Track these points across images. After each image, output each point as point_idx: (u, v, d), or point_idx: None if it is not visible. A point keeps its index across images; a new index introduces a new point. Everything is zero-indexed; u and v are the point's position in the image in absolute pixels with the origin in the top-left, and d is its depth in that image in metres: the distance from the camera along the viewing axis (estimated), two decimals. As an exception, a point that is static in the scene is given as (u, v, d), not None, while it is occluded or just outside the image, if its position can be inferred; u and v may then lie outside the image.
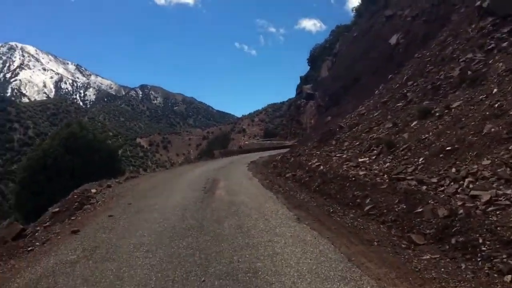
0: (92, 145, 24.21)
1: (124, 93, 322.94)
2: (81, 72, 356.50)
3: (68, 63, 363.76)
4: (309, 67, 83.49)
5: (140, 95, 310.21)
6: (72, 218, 10.38)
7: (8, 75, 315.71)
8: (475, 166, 7.40)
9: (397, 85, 17.12)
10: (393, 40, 22.80)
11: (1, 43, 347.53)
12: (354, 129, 16.20)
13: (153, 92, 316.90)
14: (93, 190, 15.00)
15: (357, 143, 13.85)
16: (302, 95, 71.58)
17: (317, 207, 9.08)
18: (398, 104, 14.95)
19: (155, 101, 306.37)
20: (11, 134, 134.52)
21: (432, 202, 6.85)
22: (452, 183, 7.39)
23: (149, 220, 8.61)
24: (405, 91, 15.52)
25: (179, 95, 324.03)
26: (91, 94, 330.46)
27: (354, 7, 73.43)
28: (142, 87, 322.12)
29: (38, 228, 11.70)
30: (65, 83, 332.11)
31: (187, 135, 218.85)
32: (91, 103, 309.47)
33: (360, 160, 11.74)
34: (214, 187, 12.85)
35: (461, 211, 6.20)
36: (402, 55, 21.26)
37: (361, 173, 10.05)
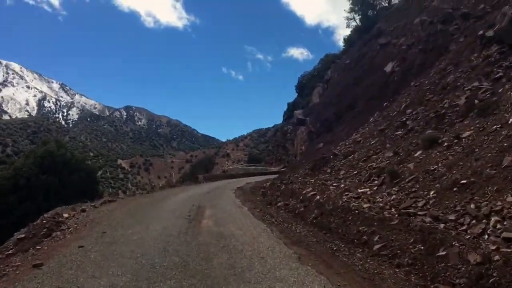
0: (70, 164, 22.78)
1: (108, 114, 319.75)
2: (65, 91, 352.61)
3: (53, 82, 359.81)
4: (297, 94, 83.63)
5: (125, 116, 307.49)
6: (38, 247, 9.14)
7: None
8: (499, 203, 6.51)
9: (395, 113, 16.42)
10: (388, 68, 22.31)
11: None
12: (350, 157, 15.34)
13: (137, 114, 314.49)
14: (65, 215, 13.69)
15: (355, 172, 12.95)
16: (292, 121, 71.20)
17: (318, 243, 8.04)
18: (398, 133, 14.19)
19: (139, 123, 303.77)
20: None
21: (458, 245, 5.89)
22: (474, 222, 6.47)
23: (125, 254, 7.43)
24: (404, 119, 14.79)
25: (164, 117, 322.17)
26: (74, 114, 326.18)
27: (345, 36, 74.43)
28: (127, 108, 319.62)
29: (-1, 256, 10.38)
30: (49, 101, 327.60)
31: (170, 158, 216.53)
32: (74, 122, 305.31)
33: (360, 190, 10.80)
34: (200, 216, 11.71)
35: (497, 257, 5.25)
36: (397, 83, 20.73)
37: (364, 205, 9.08)
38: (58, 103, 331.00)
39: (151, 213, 12.89)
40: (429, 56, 20.37)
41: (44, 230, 11.38)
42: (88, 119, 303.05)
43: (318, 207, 10.74)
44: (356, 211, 8.93)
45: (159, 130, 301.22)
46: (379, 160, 12.80)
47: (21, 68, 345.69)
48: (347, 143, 17.84)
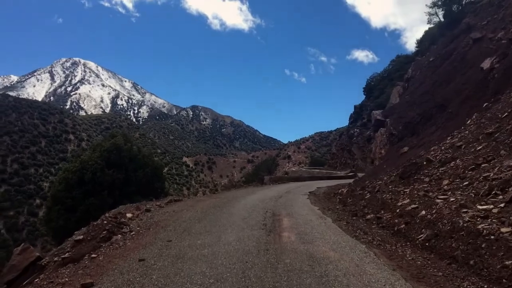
0: (136, 160, 21.94)
1: (175, 112, 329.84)
2: (137, 90, 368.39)
3: (125, 81, 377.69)
4: (364, 96, 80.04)
5: (191, 115, 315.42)
6: (94, 255, 7.76)
7: (69, 89, 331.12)
8: None
9: (505, 114, 13.62)
10: (485, 64, 19.28)
11: (66, 58, 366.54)
12: (450, 164, 12.81)
13: (203, 113, 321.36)
14: (128, 215, 12.45)
15: (465, 183, 10.48)
16: (360, 123, 68.22)
17: (448, 280, 5.88)
18: (516, 137, 11.51)
19: (204, 122, 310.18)
20: (66, 144, 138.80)
21: None
22: None
23: (194, 277, 5.72)
24: (521, 121, 12.07)
25: (228, 117, 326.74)
26: (144, 112, 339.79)
27: (419, 37, 70.14)
28: (193, 107, 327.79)
29: (55, 259, 9.27)
30: (121, 99, 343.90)
31: (233, 158, 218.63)
32: (144, 120, 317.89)
33: (481, 207, 8.41)
34: (278, 226, 9.86)
35: None
36: (499, 81, 17.71)
37: (503, 230, 6.75)
38: (130, 101, 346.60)
39: (221, 218, 11.24)
40: (539, 51, 17.31)
41: (104, 232, 10.13)
42: (157, 117, 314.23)
43: (428, 226, 8.49)
44: (492, 237, 6.64)
45: (222, 129, 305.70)
46: (495, 169, 10.25)
47: (97, 66, 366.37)
48: (442, 148, 15.22)
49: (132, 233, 10.06)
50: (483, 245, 6.65)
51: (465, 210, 8.47)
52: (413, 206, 10.13)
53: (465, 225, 7.58)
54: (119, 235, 10.05)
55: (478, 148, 12.80)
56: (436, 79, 22.60)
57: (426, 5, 39.12)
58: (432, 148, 16.31)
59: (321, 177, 39.45)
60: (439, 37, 33.75)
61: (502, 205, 8.24)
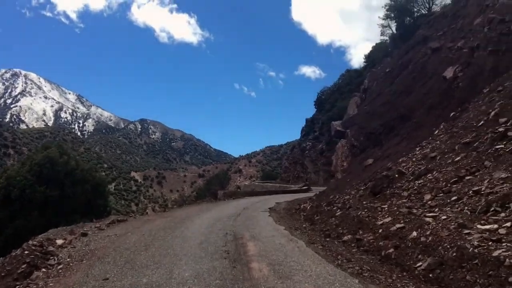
0: (74, 174, 19.29)
1: (123, 126, 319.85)
2: (82, 103, 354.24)
3: (69, 93, 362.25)
4: (315, 109, 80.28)
5: (139, 129, 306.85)
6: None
7: (8, 101, 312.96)
8: None
9: (481, 123, 12.74)
10: (448, 73, 18.73)
11: (5, 69, 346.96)
12: (427, 177, 11.66)
13: (152, 127, 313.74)
14: (59, 241, 10.20)
15: (453, 198, 9.23)
16: (320, 136, 67.78)
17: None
18: (498, 147, 10.51)
19: (153, 136, 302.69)
20: (5, 159, 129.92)
21: None
22: None
23: None
24: (501, 130, 11.13)
25: (178, 131, 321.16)
26: (89, 125, 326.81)
27: (366, 54, 71.52)
28: (142, 121, 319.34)
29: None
30: (65, 112, 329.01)
31: (183, 172, 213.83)
32: (89, 133, 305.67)
33: (482, 227, 7.13)
34: (243, 253, 8.09)
35: None
36: (465, 90, 17.16)
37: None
38: (75, 114, 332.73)
39: (173, 244, 9.29)
40: (503, 59, 16.93)
41: (23, 266, 8.05)
42: (103, 131, 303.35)
43: (426, 251, 7.07)
44: (517, 267, 5.27)
45: (172, 143, 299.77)
46: (485, 182, 9.10)
47: (39, 78, 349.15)
48: (414, 159, 14.16)
49: (59, 267, 7.93)
50: (510, 279, 5.26)
51: (467, 231, 7.16)
52: (398, 225, 8.73)
53: (475, 251, 6.22)
54: (43, 270, 7.91)
55: (457, 159, 11.76)
56: (396, 89, 21.94)
57: (379, 17, 39.44)
58: (401, 160, 15.27)
59: (276, 191, 38.04)
60: (393, 49, 33.74)
61: (508, 224, 7.00)
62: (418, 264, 6.86)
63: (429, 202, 9.69)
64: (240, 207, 19.38)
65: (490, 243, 6.37)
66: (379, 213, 10.41)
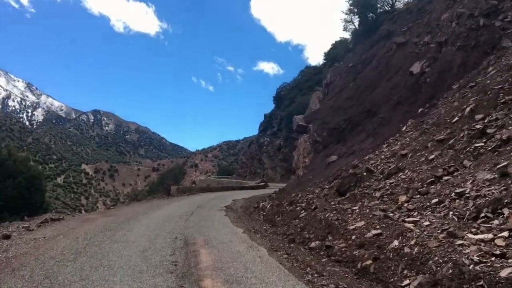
0: (5, 166, 16.96)
1: (74, 116, 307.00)
2: (31, 91, 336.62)
3: (18, 80, 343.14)
4: (274, 105, 79.50)
5: (92, 120, 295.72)
6: None
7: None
8: None
9: (455, 119, 11.94)
10: (415, 68, 18.05)
11: None
12: (398, 176, 10.70)
13: (105, 118, 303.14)
14: (-32, 247, 8.41)
15: (434, 200, 8.22)
16: (278, 131, 66.74)
17: None
18: (478, 145, 9.65)
19: (107, 128, 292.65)
20: None
21: None
22: None
23: None
24: (478, 126, 10.29)
25: (133, 124, 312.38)
26: (39, 115, 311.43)
27: (325, 52, 71.51)
28: (95, 112, 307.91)
29: None
30: (13, 100, 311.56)
31: (137, 166, 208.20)
32: (38, 123, 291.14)
33: (475, 236, 6.12)
34: (195, 265, 6.65)
35: None
36: (432, 86, 16.49)
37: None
38: (23, 103, 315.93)
39: (110, 252, 7.71)
40: (471, 55, 16.42)
41: None
42: (54, 121, 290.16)
43: (412, 265, 5.93)
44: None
45: (126, 136, 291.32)
46: (468, 183, 8.16)
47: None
48: (382, 156, 13.22)
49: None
50: (530, 308, 4.18)
51: (459, 242, 6.11)
52: (374, 231, 7.61)
53: (477, 268, 5.16)
54: None
55: (431, 157, 10.85)
56: (360, 84, 21.13)
57: (342, 11, 38.91)
58: (367, 157, 14.32)
59: (232, 187, 36.71)
60: (355, 45, 33.19)
61: (505, 234, 6.00)
62: (405, 283, 5.70)
63: (406, 205, 8.65)
64: (194, 204, 17.88)
65: (493, 258, 5.31)
66: (350, 215, 9.28)
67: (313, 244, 8.50)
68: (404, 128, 15.23)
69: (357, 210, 9.42)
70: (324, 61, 73.87)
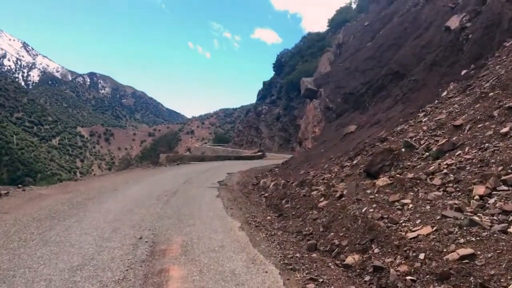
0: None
1: (71, 79, 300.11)
2: (27, 51, 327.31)
3: (14, 40, 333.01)
4: (274, 73, 75.55)
5: (88, 83, 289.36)
6: None
7: None
8: None
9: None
10: (453, 23, 14.67)
11: None
12: (457, 155, 7.56)
13: (101, 81, 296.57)
14: None
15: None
16: (277, 100, 63.01)
17: None
18: None
19: (103, 91, 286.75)
20: None
21: None
22: None
23: None
24: None
25: (129, 88, 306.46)
26: (35, 75, 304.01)
27: (329, 18, 67.39)
28: (91, 74, 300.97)
29: None
30: (9, 60, 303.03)
31: (133, 130, 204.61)
32: (34, 84, 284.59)
33: None
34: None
35: None
36: (477, 44, 13.17)
37: None
38: (19, 63, 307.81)
39: (17, 270, 4.61)
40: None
41: None
42: (50, 82, 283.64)
43: None
44: None
45: (123, 100, 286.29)
46: None
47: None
48: (425, 128, 10.02)
49: None
50: None
51: None
52: (460, 251, 4.51)
53: None
54: None
55: (504, 130, 7.66)
56: (381, 43, 17.70)
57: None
58: (399, 128, 11.15)
59: (228, 157, 33.66)
60: (369, 4, 29.52)
61: None
62: None
63: (492, 201, 5.54)
64: (181, 178, 14.77)
65: None
66: (400, 213, 6.15)
67: (349, 260, 5.40)
68: (444, 93, 12.02)
69: (411, 206, 6.27)
70: (328, 27, 69.77)
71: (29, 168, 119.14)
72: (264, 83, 76.94)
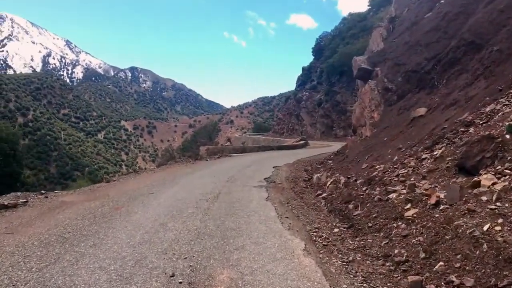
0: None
1: (113, 74, 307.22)
2: (70, 49, 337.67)
3: (58, 38, 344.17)
4: (313, 57, 72.65)
5: (129, 77, 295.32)
6: None
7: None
8: None
9: None
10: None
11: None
12: None
13: (142, 75, 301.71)
14: None
15: None
16: (318, 85, 60.17)
17: None
18: None
19: (144, 85, 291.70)
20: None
21: None
22: None
23: None
24: None
25: (169, 80, 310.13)
26: (79, 72, 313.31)
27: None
28: (132, 69, 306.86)
29: None
30: (54, 58, 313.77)
31: (174, 122, 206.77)
32: (78, 81, 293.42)
33: None
34: None
35: None
36: None
37: None
38: (63, 61, 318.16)
39: None
40: None
41: None
42: (93, 78, 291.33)
43: None
44: None
45: (163, 93, 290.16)
46: None
47: (26, 22, 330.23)
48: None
49: None
50: None
51: None
52: None
53: None
54: None
55: None
56: (446, 12, 15.13)
57: None
58: (488, 109, 8.89)
59: (270, 147, 31.80)
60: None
61: None
62: None
63: None
64: (223, 175, 13.07)
65: None
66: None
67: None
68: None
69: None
70: (369, 7, 66.06)
71: (77, 163, 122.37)
72: (303, 68, 74.24)
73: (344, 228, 6.71)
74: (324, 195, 9.36)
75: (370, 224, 6.35)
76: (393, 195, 6.93)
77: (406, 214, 5.93)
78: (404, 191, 6.88)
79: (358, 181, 8.98)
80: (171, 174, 13.82)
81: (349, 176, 10.01)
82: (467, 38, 12.28)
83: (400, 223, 5.87)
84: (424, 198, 6.13)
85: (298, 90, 70.47)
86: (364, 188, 8.26)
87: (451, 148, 7.93)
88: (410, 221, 5.72)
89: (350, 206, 7.64)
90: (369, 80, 15.85)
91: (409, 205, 6.16)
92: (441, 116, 10.50)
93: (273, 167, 15.53)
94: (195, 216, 7.08)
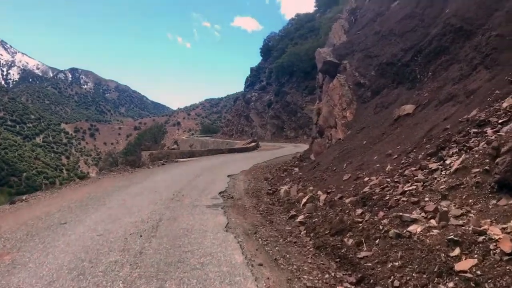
0: None
1: (52, 75, 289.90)
2: (5, 49, 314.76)
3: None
4: (261, 58, 70.76)
5: (70, 79, 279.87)
6: None
7: None
8: None
9: None
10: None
11: None
12: None
13: (83, 77, 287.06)
14: None
15: None
16: (267, 86, 57.92)
17: None
18: None
19: (86, 86, 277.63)
20: None
21: None
22: None
23: None
24: None
25: (112, 82, 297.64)
26: (15, 73, 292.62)
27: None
28: (72, 70, 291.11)
29: None
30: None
31: (118, 124, 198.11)
32: (14, 82, 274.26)
33: None
34: None
35: None
36: None
37: None
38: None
39: None
40: None
41: None
42: (30, 80, 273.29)
43: None
44: None
45: (106, 94, 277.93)
46: None
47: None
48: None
49: None
50: None
51: None
52: None
53: None
54: None
55: None
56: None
57: None
58: (506, 105, 6.89)
59: (221, 151, 29.18)
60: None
61: None
62: None
63: None
64: (167, 190, 10.34)
65: None
66: None
67: None
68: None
69: None
70: (315, 8, 65.30)
71: (13, 168, 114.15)
72: (251, 69, 72.21)
73: (350, 283, 4.34)
74: (301, 218, 6.99)
75: (396, 282, 3.99)
76: (416, 229, 4.66)
77: (458, 267, 3.66)
78: (433, 221, 4.63)
79: (346, 200, 6.69)
80: (100, 189, 10.85)
81: (329, 191, 7.72)
82: (455, 24, 10.45)
83: (450, 283, 3.59)
84: (479, 239, 3.89)
85: (247, 91, 68.33)
86: (359, 212, 5.98)
87: (471, 155, 5.84)
88: (470, 281, 3.45)
89: (348, 240, 5.30)
90: (338, 75, 13.77)
91: (457, 251, 3.89)
92: (436, 115, 8.50)
93: (228, 176, 13.04)
94: (117, 272, 4.41)
